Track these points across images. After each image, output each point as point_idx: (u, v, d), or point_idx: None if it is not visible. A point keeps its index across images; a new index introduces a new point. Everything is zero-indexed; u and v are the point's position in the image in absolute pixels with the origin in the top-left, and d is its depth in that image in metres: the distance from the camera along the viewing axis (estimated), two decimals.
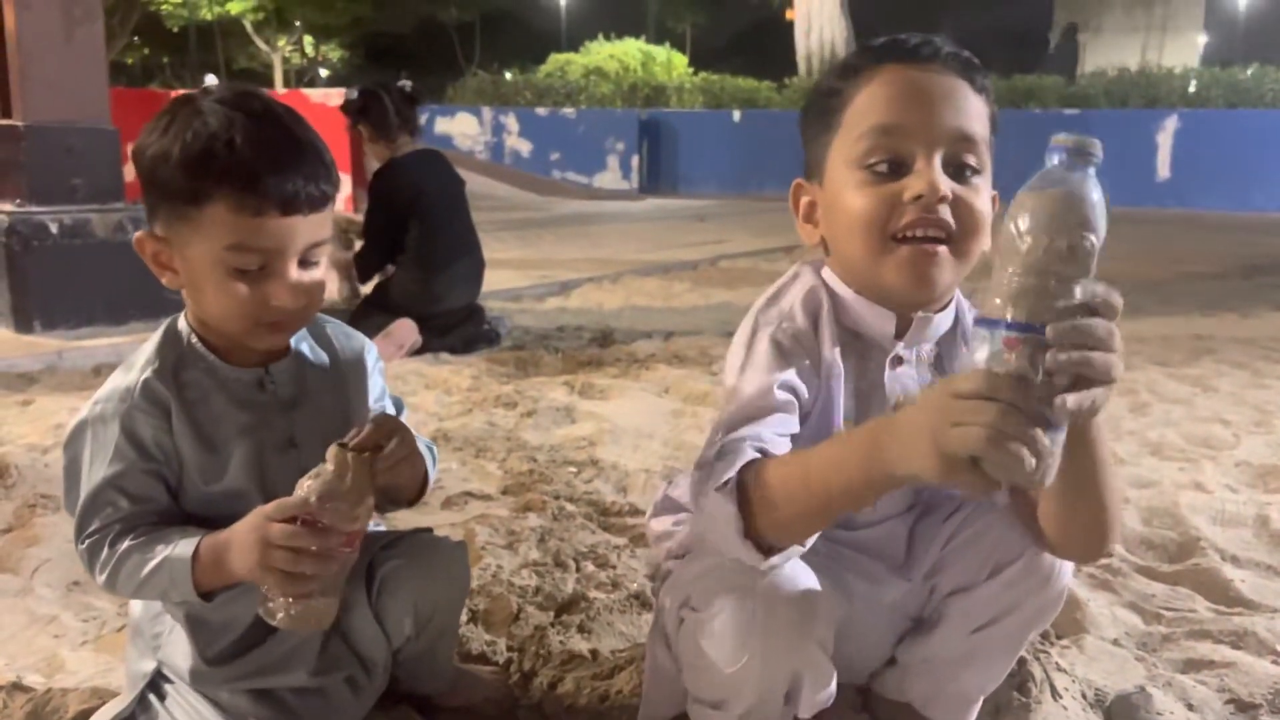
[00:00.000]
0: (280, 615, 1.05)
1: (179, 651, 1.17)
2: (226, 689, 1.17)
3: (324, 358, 1.22)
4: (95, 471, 1.07)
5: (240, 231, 1.04)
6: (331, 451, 1.04)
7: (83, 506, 1.07)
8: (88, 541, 1.07)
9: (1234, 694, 1.45)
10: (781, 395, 1.07)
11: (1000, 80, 16.40)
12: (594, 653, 1.53)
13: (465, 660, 1.52)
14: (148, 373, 1.09)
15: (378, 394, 1.29)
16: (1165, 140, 13.80)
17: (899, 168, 1.05)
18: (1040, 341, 0.78)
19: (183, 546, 1.06)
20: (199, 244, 1.05)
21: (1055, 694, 1.41)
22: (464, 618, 1.63)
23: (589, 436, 2.75)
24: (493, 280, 4.22)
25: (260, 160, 1.03)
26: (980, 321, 0.82)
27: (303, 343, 1.20)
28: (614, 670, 1.46)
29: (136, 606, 1.22)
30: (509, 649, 1.56)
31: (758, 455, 1.00)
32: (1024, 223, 0.80)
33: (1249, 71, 14.89)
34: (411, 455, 1.12)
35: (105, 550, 1.06)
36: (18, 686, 1.41)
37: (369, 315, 3.83)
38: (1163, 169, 13.83)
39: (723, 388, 1.13)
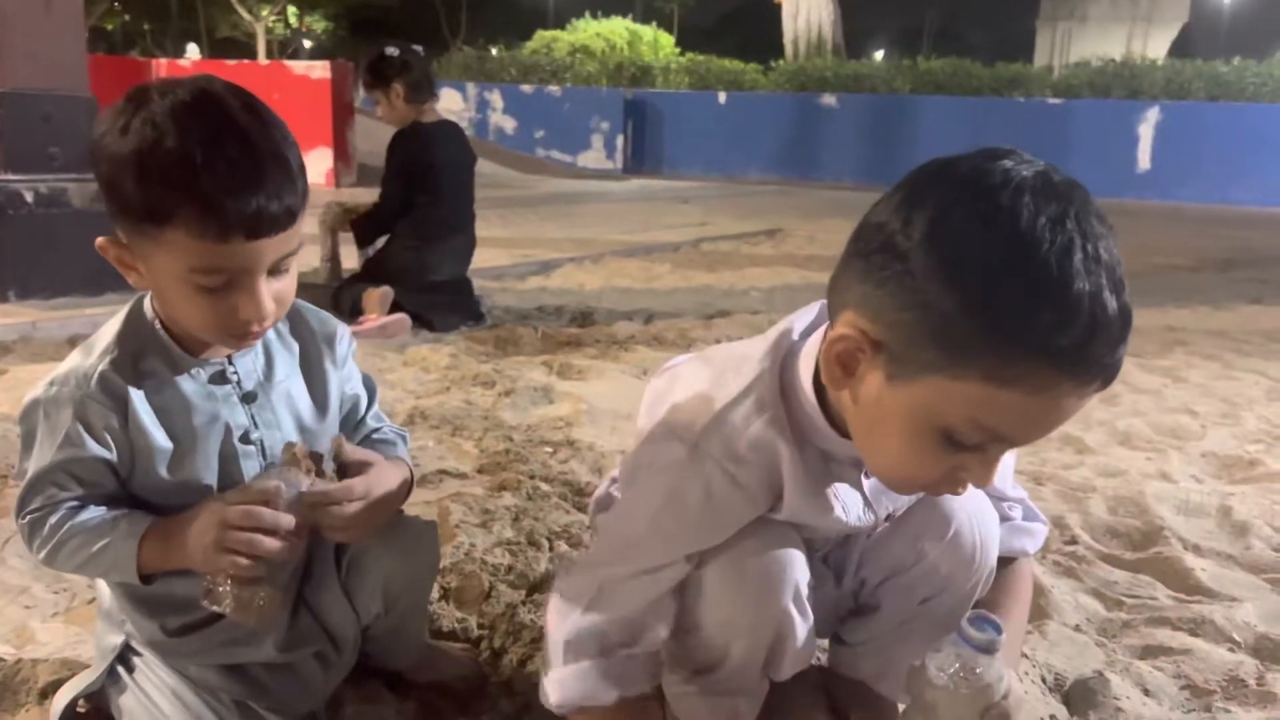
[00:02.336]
0: (227, 603, 1.05)
1: (143, 626, 1.17)
2: (194, 663, 1.18)
3: (293, 346, 1.22)
4: (44, 453, 1.06)
5: (203, 255, 0.99)
6: (286, 449, 1.11)
7: (27, 484, 1.07)
8: (29, 518, 1.07)
9: (1190, 680, 1.49)
10: (680, 555, 1.10)
11: (984, 68, 16.45)
12: None
13: (436, 637, 1.53)
14: (105, 363, 1.07)
15: (351, 381, 1.29)
16: (1147, 132, 13.88)
17: (969, 445, 0.92)
18: None
19: (128, 529, 1.07)
20: (161, 258, 1.01)
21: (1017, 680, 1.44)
22: (435, 595, 1.65)
23: (566, 417, 2.76)
24: (475, 258, 4.21)
25: (221, 181, 0.96)
26: None
27: (270, 331, 1.18)
28: None
29: (104, 583, 1.22)
30: (480, 626, 1.57)
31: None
32: (943, 708, 1.00)
33: (1231, 63, 14.97)
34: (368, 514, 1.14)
35: (46, 528, 1.06)
36: None
37: (353, 283, 3.83)
38: (1143, 160, 13.91)
39: (620, 516, 1.16)
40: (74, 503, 1.07)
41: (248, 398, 1.16)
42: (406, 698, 1.38)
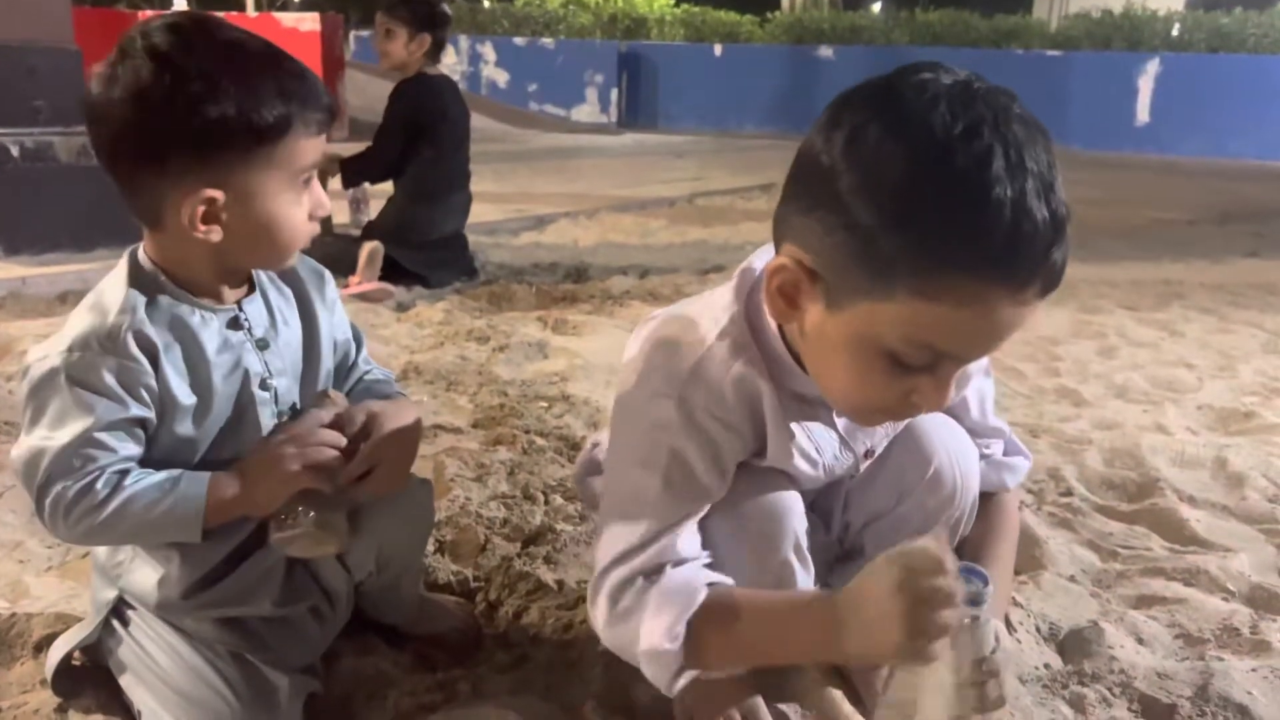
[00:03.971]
0: (306, 532, 1.08)
1: (142, 581, 1.16)
2: (191, 617, 1.17)
3: (287, 293, 1.23)
4: (77, 420, 1.02)
5: (307, 153, 1.08)
6: (319, 395, 1.16)
7: (57, 457, 1.02)
8: (74, 489, 1.01)
9: (1183, 629, 1.49)
10: (700, 502, 1.07)
11: (983, 19, 16.25)
12: (559, 583, 1.55)
13: (432, 589, 1.53)
14: (129, 318, 1.05)
15: (341, 327, 1.29)
16: (1146, 84, 13.75)
17: (917, 366, 0.91)
18: None
19: (189, 488, 1.05)
20: (271, 178, 1.05)
21: (1010, 627, 1.44)
22: (431, 548, 1.65)
23: (561, 372, 2.75)
24: (469, 213, 4.18)
25: (309, 81, 1.07)
26: (895, 706, 0.99)
27: (264, 276, 1.20)
28: (578, 600, 1.48)
29: None
30: (475, 579, 1.57)
31: (701, 602, 1.01)
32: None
33: (1232, 14, 14.80)
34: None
35: (90, 497, 1.02)
36: None
37: (356, 243, 3.79)
38: (1142, 114, 13.79)
39: (626, 489, 1.08)
40: (120, 467, 1.04)
41: (260, 344, 1.16)
42: (402, 650, 1.38)
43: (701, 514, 1.08)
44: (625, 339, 1.18)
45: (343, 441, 1.09)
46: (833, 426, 1.14)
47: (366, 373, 1.33)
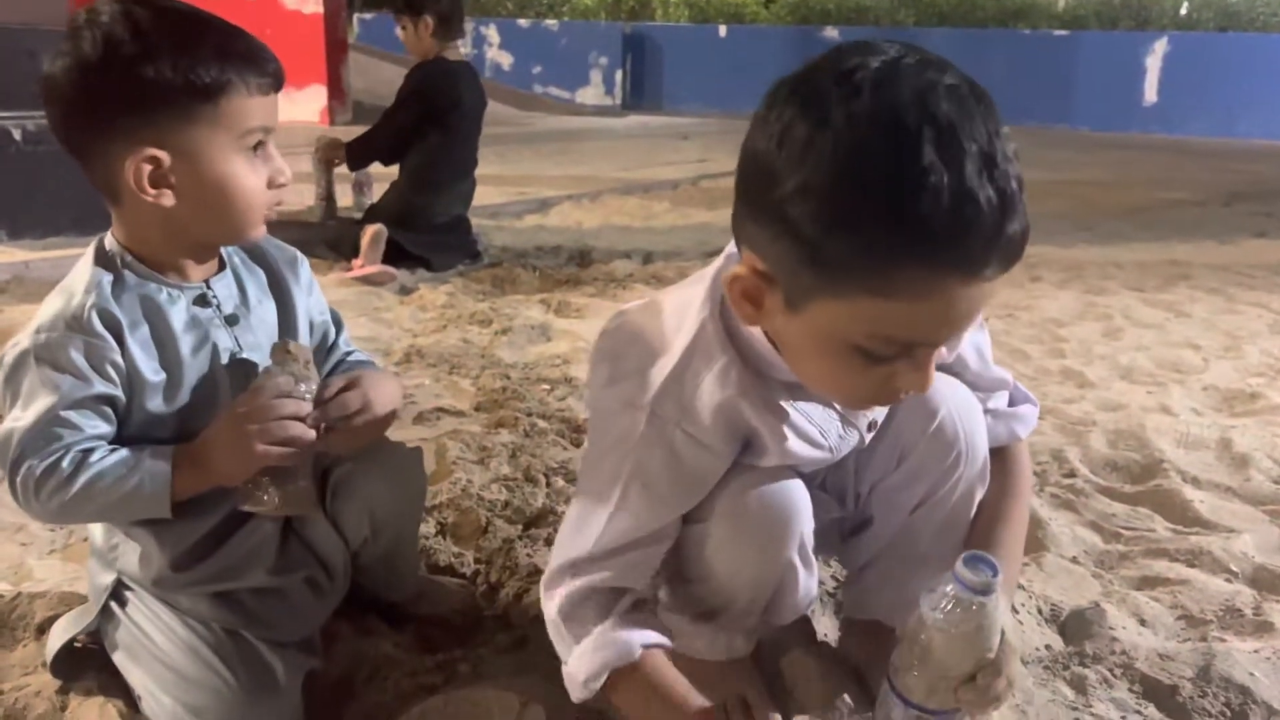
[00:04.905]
0: (274, 500, 1.09)
1: (135, 561, 1.17)
2: (185, 594, 1.17)
3: (257, 272, 1.23)
4: (44, 399, 1.03)
5: (254, 113, 1.06)
6: (275, 349, 1.11)
7: (26, 436, 1.02)
8: (40, 467, 1.02)
9: (1186, 610, 1.49)
10: (660, 518, 1.06)
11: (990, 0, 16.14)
12: None
13: (433, 572, 1.53)
14: (93, 297, 1.06)
15: (318, 308, 1.29)
16: (1154, 64, 13.65)
17: (889, 356, 0.89)
18: (945, 715, 1.01)
19: (154, 463, 1.05)
20: (217, 138, 1.04)
21: (1011, 609, 1.44)
22: (432, 530, 1.65)
23: (563, 355, 2.74)
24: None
25: (249, 42, 1.07)
26: (897, 693, 1.01)
27: (234, 256, 1.21)
28: None
29: (94, 524, 1.22)
30: (476, 561, 1.57)
31: (629, 664, 1.03)
32: (937, 648, 0.98)
33: None
34: (376, 422, 1.17)
35: (58, 475, 1.02)
36: None
37: (358, 226, 3.78)
38: (1150, 94, 13.71)
39: (588, 478, 1.08)
40: (86, 445, 1.04)
41: (230, 320, 1.16)
42: (403, 631, 1.38)
43: (665, 531, 1.07)
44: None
45: (305, 412, 1.07)
46: (831, 406, 1.13)
47: (348, 354, 1.32)
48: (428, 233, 3.88)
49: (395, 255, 3.72)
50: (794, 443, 1.09)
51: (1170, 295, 3.68)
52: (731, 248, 1.05)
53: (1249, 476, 2.00)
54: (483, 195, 4.81)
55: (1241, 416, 2.39)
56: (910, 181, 0.75)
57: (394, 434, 2.01)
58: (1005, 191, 0.77)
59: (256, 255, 1.24)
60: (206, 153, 1.05)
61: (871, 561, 1.28)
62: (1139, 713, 1.25)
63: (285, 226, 4.24)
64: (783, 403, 1.06)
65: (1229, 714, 1.25)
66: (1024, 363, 2.78)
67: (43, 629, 1.32)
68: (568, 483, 1.86)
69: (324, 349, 1.31)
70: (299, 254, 1.28)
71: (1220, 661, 1.31)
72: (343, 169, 4.04)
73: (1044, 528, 1.72)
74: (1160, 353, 2.92)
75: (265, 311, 1.21)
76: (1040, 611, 1.47)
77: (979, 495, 1.20)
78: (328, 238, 3.91)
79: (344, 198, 4.31)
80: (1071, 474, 2.00)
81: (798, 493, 1.09)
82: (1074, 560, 1.64)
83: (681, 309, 1.05)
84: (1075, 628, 1.43)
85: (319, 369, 1.27)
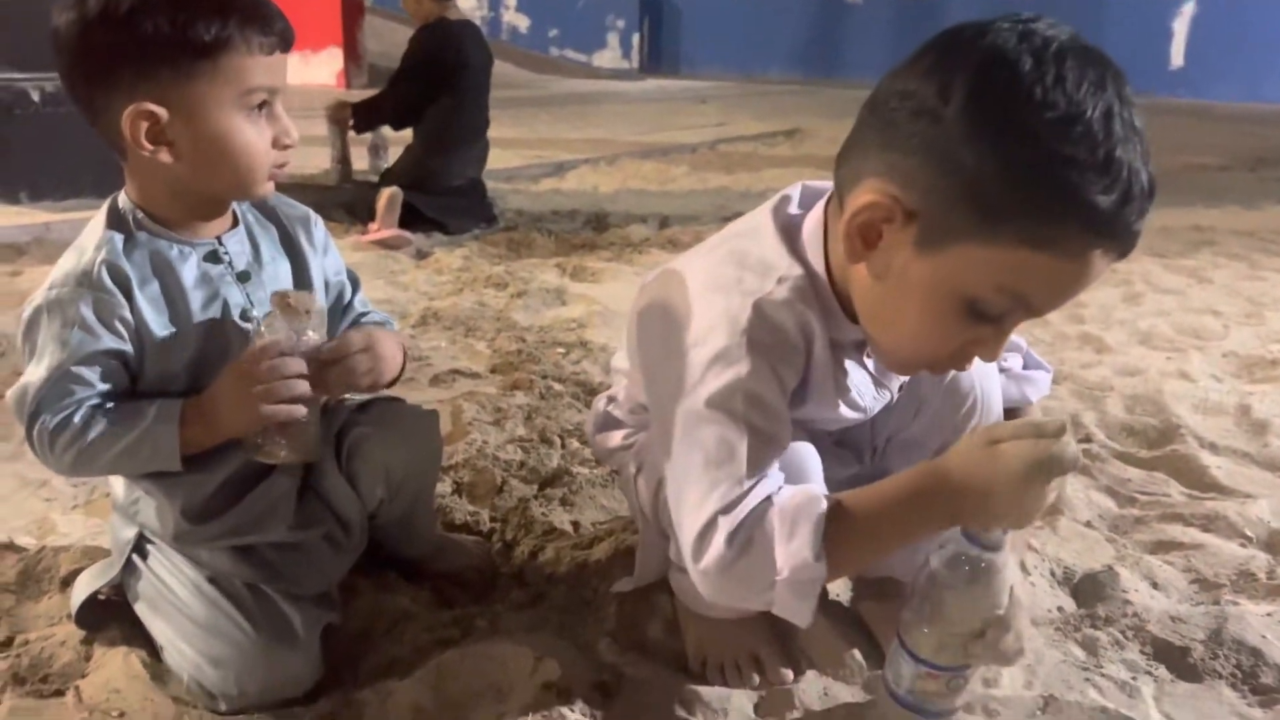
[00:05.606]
0: (282, 450, 1.11)
1: (154, 515, 1.18)
2: (205, 548, 1.19)
3: (270, 229, 1.23)
4: (55, 354, 1.04)
5: (256, 72, 1.05)
6: (275, 298, 1.10)
7: (40, 390, 1.04)
8: (52, 421, 1.04)
9: (1199, 574, 1.49)
10: (783, 436, 1.01)
11: None
12: (575, 525, 1.56)
13: (449, 530, 1.55)
14: (103, 253, 1.07)
15: (334, 267, 1.29)
16: (1181, 27, 13.40)
17: (991, 315, 0.92)
18: (955, 671, 1.04)
19: (161, 413, 1.07)
20: (213, 95, 1.03)
21: (1024, 570, 1.44)
22: (448, 489, 1.67)
23: (579, 318, 2.74)
24: (488, 159, 4.15)
25: (266, 3, 1.06)
26: (907, 649, 1.04)
27: (248, 214, 1.21)
28: (593, 541, 1.49)
29: (116, 479, 1.23)
30: (492, 520, 1.59)
31: (823, 511, 0.95)
32: (947, 605, 1.00)
33: None
34: (379, 365, 1.16)
35: (71, 429, 1.04)
36: (9, 546, 1.44)
37: (373, 190, 3.78)
38: (1176, 57, 13.47)
39: (704, 423, 0.99)
40: (96, 400, 1.06)
41: (242, 277, 1.17)
42: (421, 587, 1.40)
43: (786, 444, 1.03)
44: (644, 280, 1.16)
45: (305, 369, 1.08)
46: (864, 367, 1.13)
47: (363, 314, 1.33)
48: (443, 195, 3.88)
49: (411, 218, 3.73)
50: (842, 399, 1.10)
51: (1193, 261, 3.65)
52: (790, 204, 1.06)
53: (1267, 442, 1.99)
54: (499, 159, 4.81)
55: (1261, 383, 2.37)
56: (1104, 150, 0.81)
57: (410, 395, 2.03)
58: (1154, 183, 0.85)
59: (269, 213, 1.24)
60: (204, 110, 1.04)
61: None
62: (1149, 674, 1.26)
63: (301, 189, 4.26)
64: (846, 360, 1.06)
65: (1240, 675, 1.25)
66: (1042, 328, 2.76)
67: (67, 582, 1.35)
68: (582, 444, 1.87)
69: (340, 308, 1.31)
70: (312, 213, 1.29)
71: (1233, 624, 1.31)
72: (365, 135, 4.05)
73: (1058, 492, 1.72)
74: (1181, 319, 2.89)
75: (279, 269, 1.22)
76: (1053, 574, 1.47)
77: None
78: (343, 201, 3.92)
79: (360, 161, 4.31)
80: (1087, 439, 1.99)
81: (809, 458, 1.09)
82: (1088, 524, 1.64)
83: (754, 253, 1.03)
84: (1088, 590, 1.43)
85: (335, 328, 1.28)
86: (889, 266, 0.92)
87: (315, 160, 4.33)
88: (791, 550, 0.93)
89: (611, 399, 1.35)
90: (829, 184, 1.06)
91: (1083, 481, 1.80)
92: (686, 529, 0.98)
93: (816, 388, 1.07)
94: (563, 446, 1.86)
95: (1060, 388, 2.26)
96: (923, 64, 0.88)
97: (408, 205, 3.72)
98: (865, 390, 1.13)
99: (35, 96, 3.66)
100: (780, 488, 0.98)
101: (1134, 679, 1.24)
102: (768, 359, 0.99)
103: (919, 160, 0.87)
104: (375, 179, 4.08)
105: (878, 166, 0.90)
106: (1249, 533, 1.61)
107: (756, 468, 0.97)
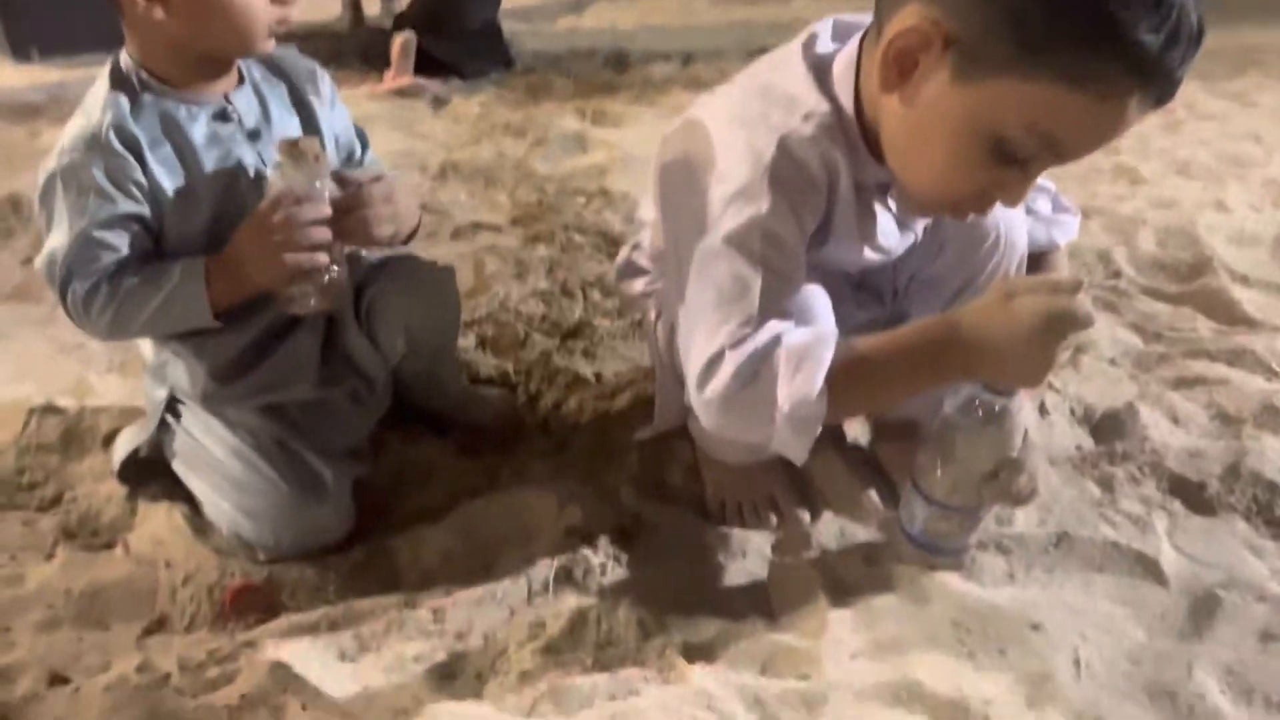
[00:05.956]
0: (311, 300, 1.11)
1: (183, 376, 1.21)
2: (233, 407, 1.22)
3: (279, 85, 1.22)
4: (75, 220, 1.05)
5: None
6: (282, 146, 1.07)
7: (68, 256, 1.05)
8: (83, 287, 1.06)
9: (1221, 408, 1.48)
10: (798, 274, 0.99)
11: None
12: (598, 375, 1.58)
13: (474, 383, 1.58)
14: (110, 116, 1.06)
15: (342, 124, 1.28)
16: None
17: (1020, 157, 0.89)
18: (967, 512, 1.11)
19: (187, 270, 1.08)
20: None
21: (1043, 411, 1.45)
22: (472, 343, 1.69)
23: (600, 165, 2.69)
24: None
25: None
26: (921, 491, 1.10)
27: (254, 70, 1.19)
28: (615, 392, 1.51)
29: (144, 342, 1.26)
30: (516, 373, 1.61)
31: (832, 350, 0.94)
32: (960, 447, 1.05)
33: None
34: (398, 217, 1.16)
35: (103, 293, 1.06)
36: (50, 409, 1.49)
37: (379, 42, 3.68)
38: None
39: (721, 258, 0.98)
40: (122, 263, 1.07)
41: (252, 135, 1.16)
42: (447, 438, 1.44)
43: (800, 284, 1.01)
44: (666, 127, 1.13)
45: (324, 214, 1.08)
46: (887, 209, 1.11)
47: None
48: (459, 39, 3.76)
49: (426, 64, 3.62)
50: (865, 240, 1.09)
51: (1238, 84, 3.48)
52: (818, 42, 1.02)
53: None
54: None
55: None
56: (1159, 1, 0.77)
57: (432, 249, 2.04)
58: (1202, 29, 0.81)
59: (276, 69, 1.22)
60: None
61: None
62: (1164, 508, 1.28)
63: (312, 38, 4.16)
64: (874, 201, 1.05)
65: (1255, 508, 1.27)
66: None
67: (108, 440, 1.40)
68: (603, 296, 1.87)
69: (350, 165, 1.30)
70: (318, 68, 1.26)
71: (1251, 459, 1.32)
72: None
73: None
74: (1221, 146, 2.79)
75: (288, 126, 1.20)
76: (1073, 413, 1.48)
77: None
78: (356, 48, 3.82)
79: (370, 5, 4.18)
80: (1116, 274, 1.96)
81: (816, 299, 1.07)
82: (1111, 362, 1.63)
83: (780, 89, 1.00)
84: (1107, 428, 1.44)
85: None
86: (921, 97, 0.89)
87: (326, 5, 4.20)
88: (794, 387, 0.93)
89: (636, 246, 1.34)
90: (862, 18, 1.02)
91: (1108, 319, 1.78)
92: (694, 360, 0.98)
93: (840, 227, 1.06)
94: (584, 298, 1.87)
95: (1091, 223, 2.21)
96: None
97: (422, 50, 3.61)
98: (890, 231, 1.11)
99: None
100: (791, 328, 0.98)
101: (1148, 514, 1.26)
102: (789, 197, 0.97)
103: None
104: (388, 24, 3.96)
105: None
106: (1276, 366, 1.60)
107: (769, 305, 0.97)
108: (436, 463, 1.37)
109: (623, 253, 1.36)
